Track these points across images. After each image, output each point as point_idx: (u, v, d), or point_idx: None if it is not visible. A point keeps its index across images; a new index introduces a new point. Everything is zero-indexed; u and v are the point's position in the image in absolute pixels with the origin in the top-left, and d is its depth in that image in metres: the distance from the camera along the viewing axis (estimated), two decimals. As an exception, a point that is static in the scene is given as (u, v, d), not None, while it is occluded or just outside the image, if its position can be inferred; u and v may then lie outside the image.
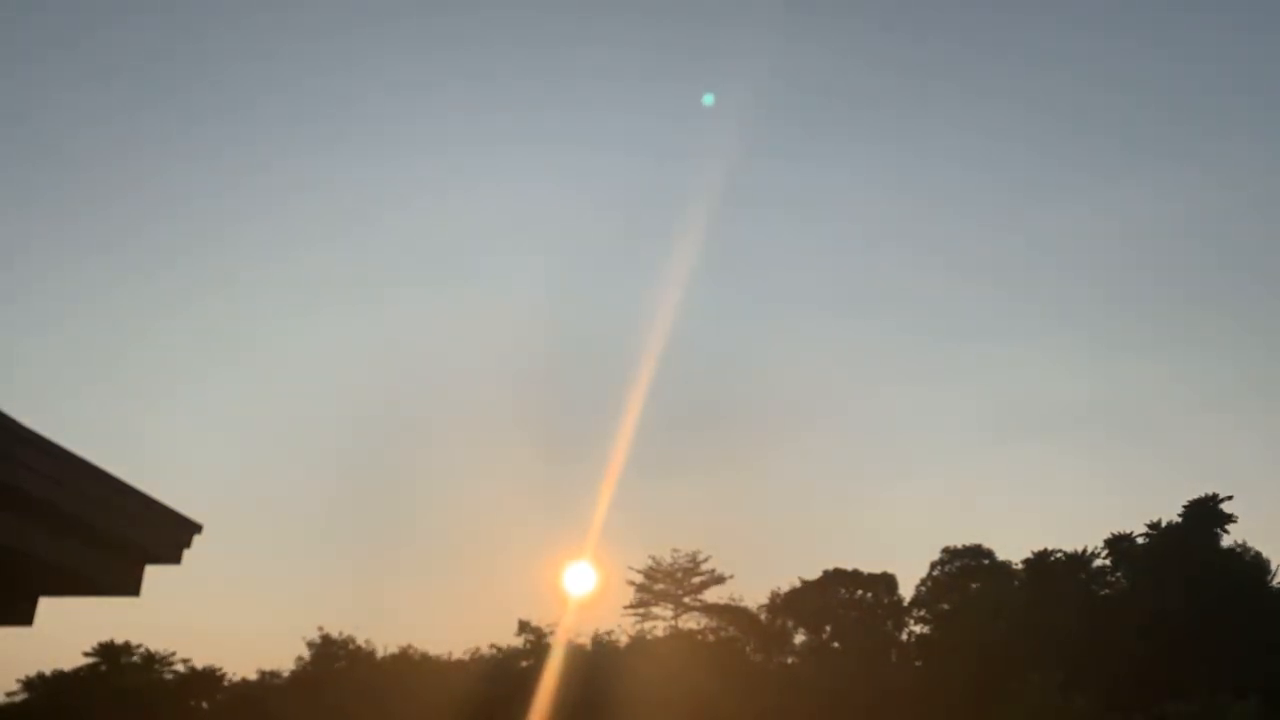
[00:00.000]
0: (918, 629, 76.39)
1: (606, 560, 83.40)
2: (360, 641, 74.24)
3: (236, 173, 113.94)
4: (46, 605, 6.24)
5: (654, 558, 79.92)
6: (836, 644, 74.60)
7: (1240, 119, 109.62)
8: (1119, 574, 71.37)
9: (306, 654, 73.78)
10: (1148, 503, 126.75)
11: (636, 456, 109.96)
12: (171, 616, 77.78)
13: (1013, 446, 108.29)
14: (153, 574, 6.22)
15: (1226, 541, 68.41)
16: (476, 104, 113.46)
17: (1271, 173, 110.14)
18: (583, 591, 78.03)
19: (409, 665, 72.80)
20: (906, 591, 77.38)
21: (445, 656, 74.55)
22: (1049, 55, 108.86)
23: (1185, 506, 69.16)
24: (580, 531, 79.56)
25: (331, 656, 73.39)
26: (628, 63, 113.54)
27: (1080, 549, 71.71)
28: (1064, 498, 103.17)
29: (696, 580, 79.34)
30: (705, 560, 79.55)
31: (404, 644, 74.63)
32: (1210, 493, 68.95)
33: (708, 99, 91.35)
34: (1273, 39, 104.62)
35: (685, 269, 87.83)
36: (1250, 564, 67.43)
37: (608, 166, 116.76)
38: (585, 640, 73.56)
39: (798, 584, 77.45)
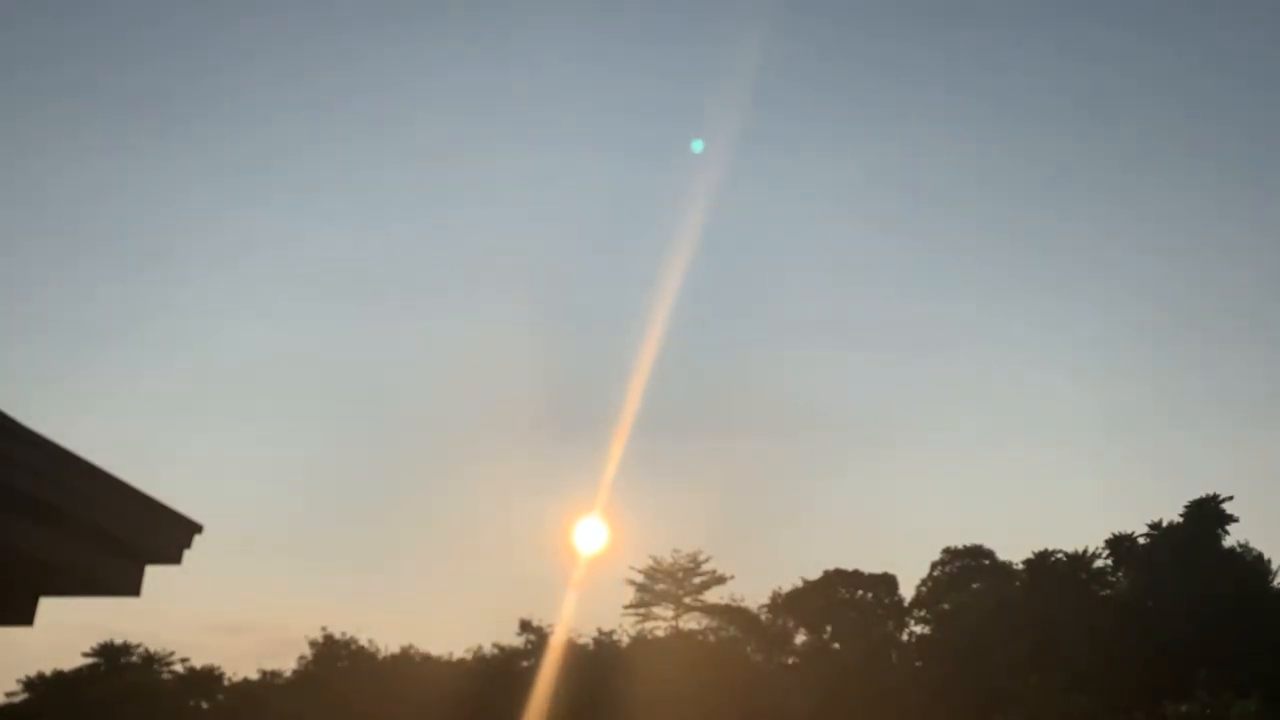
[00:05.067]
0: (918, 629, 76.32)
1: (606, 559, 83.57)
2: (362, 641, 74.27)
3: (236, 172, 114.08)
4: (46, 605, 6.23)
5: (654, 558, 79.96)
6: (837, 644, 74.52)
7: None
8: (1119, 574, 71.23)
9: (309, 653, 73.77)
10: (1149, 502, 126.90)
11: (637, 457, 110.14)
12: (171, 616, 77.92)
13: (1013, 447, 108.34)
14: (153, 574, 6.21)
15: (1227, 542, 68.32)
16: (481, 102, 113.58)
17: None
18: (582, 591, 78.18)
19: (410, 665, 72.75)
20: (907, 591, 77.42)
21: (446, 656, 74.55)
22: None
23: (1186, 507, 69.01)
24: (579, 532, 79.61)
25: (333, 656, 73.34)
26: (624, 60, 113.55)
27: (1080, 549, 71.60)
28: (1064, 498, 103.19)
29: (697, 580, 79.29)
30: (705, 560, 79.57)
31: (405, 644, 74.70)
32: (1211, 493, 68.90)
33: (696, 145, 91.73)
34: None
35: (684, 267, 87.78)
36: (1251, 564, 67.31)
37: (607, 167, 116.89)
38: (587, 640, 73.56)
39: (798, 584, 77.45)
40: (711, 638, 75.73)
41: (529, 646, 72.75)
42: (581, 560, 79.41)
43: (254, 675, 75.31)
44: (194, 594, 79.13)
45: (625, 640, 75.05)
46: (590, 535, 78.80)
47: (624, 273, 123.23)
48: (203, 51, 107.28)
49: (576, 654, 69.69)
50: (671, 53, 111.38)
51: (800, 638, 77.15)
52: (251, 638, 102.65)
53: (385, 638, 75.57)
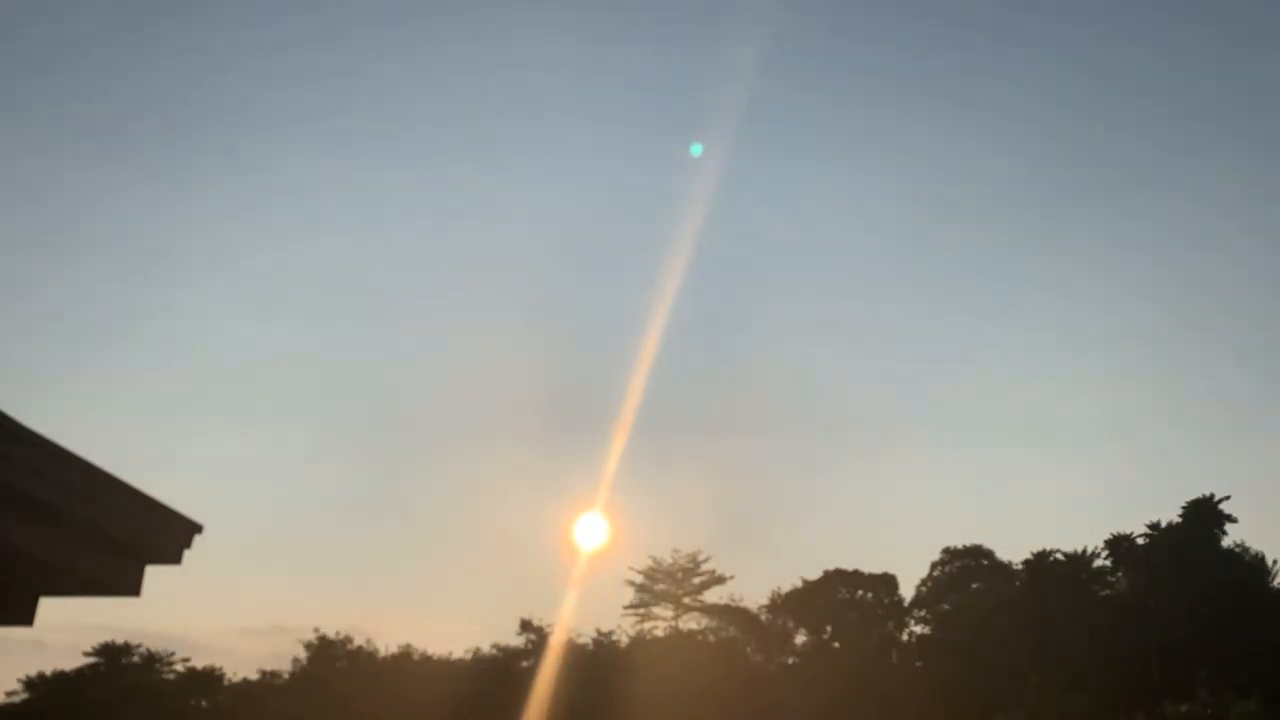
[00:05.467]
0: (918, 629, 76.36)
1: (606, 557, 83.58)
2: (361, 641, 74.27)
3: (236, 172, 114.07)
4: (46, 605, 6.23)
5: (654, 558, 79.94)
6: (837, 644, 74.51)
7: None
8: (1119, 574, 71.25)
9: (303, 655, 73.75)
10: (1149, 502, 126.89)
11: (638, 456, 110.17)
12: (172, 616, 77.93)
13: (1013, 447, 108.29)
14: (153, 574, 6.21)
15: (1226, 541, 68.33)
16: (481, 105, 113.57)
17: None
18: (582, 591, 78.20)
19: (410, 665, 72.76)
20: (907, 591, 77.43)
21: (446, 656, 74.56)
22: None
23: (1184, 507, 69.02)
24: (580, 530, 79.60)
25: (332, 656, 73.31)
26: (624, 63, 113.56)
27: (1080, 549, 71.62)
28: (1064, 498, 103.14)
29: (697, 580, 79.26)
30: (705, 560, 79.54)
31: (404, 644, 74.73)
32: (1209, 493, 68.92)
33: (695, 149, 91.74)
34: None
35: (684, 268, 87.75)
36: (1250, 564, 67.32)
37: (607, 168, 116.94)
38: (586, 640, 73.55)
39: (798, 584, 77.43)
40: (711, 638, 75.70)
41: (529, 646, 72.76)
42: (582, 559, 79.47)
43: (254, 675, 75.41)
44: (199, 595, 79.21)
45: (625, 640, 75.06)
46: (590, 534, 78.86)
47: (624, 273, 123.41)
48: (203, 54, 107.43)
49: (576, 654, 69.67)
50: (671, 56, 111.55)
51: (800, 638, 77.17)
52: (268, 640, 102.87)
53: (386, 637, 75.73)
